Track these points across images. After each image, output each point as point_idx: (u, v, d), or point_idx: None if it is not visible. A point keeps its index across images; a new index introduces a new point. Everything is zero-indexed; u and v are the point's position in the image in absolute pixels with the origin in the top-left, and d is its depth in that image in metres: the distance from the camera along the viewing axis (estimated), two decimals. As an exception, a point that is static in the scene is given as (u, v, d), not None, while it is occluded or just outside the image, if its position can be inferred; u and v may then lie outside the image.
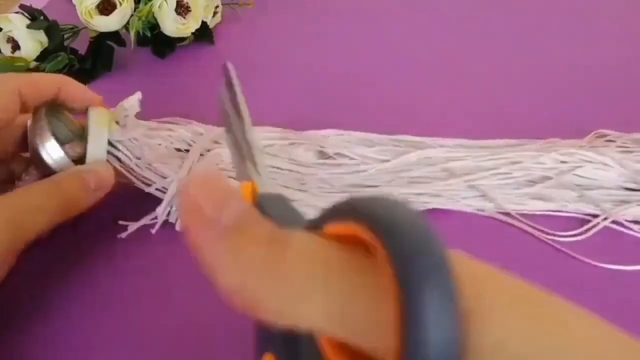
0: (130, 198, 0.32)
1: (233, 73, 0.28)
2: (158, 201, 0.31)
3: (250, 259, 0.12)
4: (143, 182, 0.31)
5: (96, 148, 0.29)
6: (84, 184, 0.27)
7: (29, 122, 0.29)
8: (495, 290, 0.11)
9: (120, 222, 0.31)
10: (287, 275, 0.11)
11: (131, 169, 0.31)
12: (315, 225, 0.13)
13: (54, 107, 0.30)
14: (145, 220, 0.31)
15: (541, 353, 0.10)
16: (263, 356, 0.15)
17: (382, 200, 0.11)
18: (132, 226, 0.30)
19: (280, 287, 0.11)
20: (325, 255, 0.12)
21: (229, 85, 0.27)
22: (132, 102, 0.31)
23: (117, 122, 0.31)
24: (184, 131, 0.34)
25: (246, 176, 0.20)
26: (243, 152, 0.21)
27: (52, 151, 0.28)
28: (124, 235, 0.30)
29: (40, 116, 0.28)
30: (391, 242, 0.10)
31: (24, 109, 0.28)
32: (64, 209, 0.26)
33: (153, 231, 0.30)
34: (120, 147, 0.30)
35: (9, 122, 0.28)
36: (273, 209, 0.16)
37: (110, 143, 0.30)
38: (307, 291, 0.11)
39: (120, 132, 0.31)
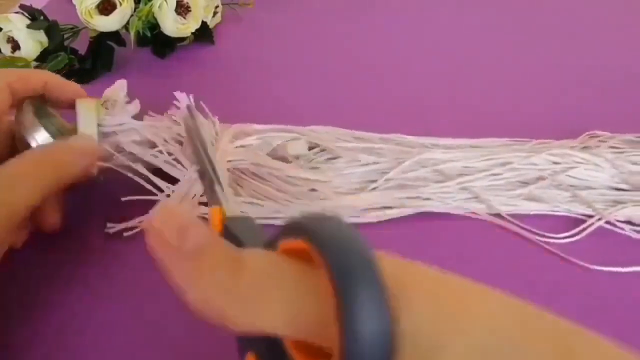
0: (122, 200, 0.31)
1: (191, 103, 0.31)
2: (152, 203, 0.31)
3: (211, 280, 0.13)
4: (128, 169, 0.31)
5: (86, 129, 0.29)
6: (71, 151, 0.27)
7: (14, 117, 0.29)
8: (414, 282, 0.13)
9: (108, 225, 0.31)
10: (245, 292, 0.13)
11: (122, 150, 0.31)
12: (273, 242, 0.15)
13: (39, 101, 0.30)
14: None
15: (448, 332, 0.12)
16: (246, 356, 0.16)
17: (321, 217, 0.14)
18: (121, 225, 0.30)
19: (240, 302, 0.13)
20: (277, 269, 0.14)
21: (191, 113, 0.29)
22: (117, 89, 0.32)
23: (106, 109, 0.32)
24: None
25: (216, 201, 0.21)
26: (211, 177, 0.23)
27: (42, 141, 0.28)
28: (111, 231, 0.30)
29: (27, 108, 0.28)
30: (325, 252, 0.13)
31: (14, 104, 0.28)
32: (54, 176, 0.26)
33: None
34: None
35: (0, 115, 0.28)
36: (239, 230, 0.18)
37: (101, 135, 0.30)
38: (264, 303, 0.13)
39: (109, 118, 0.31)
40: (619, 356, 0.13)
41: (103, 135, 0.30)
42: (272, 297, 0.13)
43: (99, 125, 0.30)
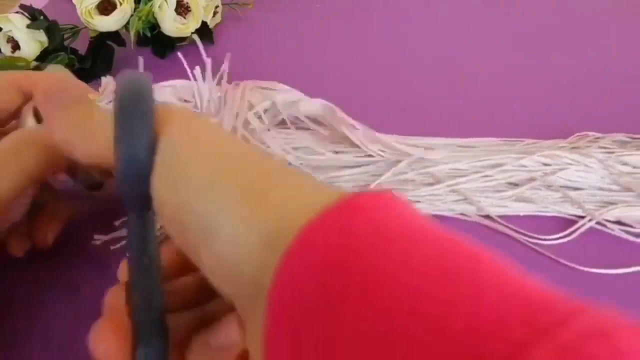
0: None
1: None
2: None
3: (73, 120, 0.19)
4: None
5: None
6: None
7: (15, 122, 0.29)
8: (180, 119, 0.17)
9: (95, 237, 0.30)
10: (91, 126, 0.19)
11: None
12: None
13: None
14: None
15: (191, 155, 0.17)
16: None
17: (132, 72, 0.18)
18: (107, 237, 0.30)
19: (85, 133, 0.19)
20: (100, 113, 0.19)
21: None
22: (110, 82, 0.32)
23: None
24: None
25: None
26: None
27: None
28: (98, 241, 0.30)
29: (28, 111, 0.28)
30: (117, 88, 0.17)
31: (25, 102, 0.28)
32: (41, 163, 0.24)
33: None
34: None
35: (9, 112, 0.27)
36: None
37: None
38: (101, 132, 0.18)
39: (102, 104, 0.31)
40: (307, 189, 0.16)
41: None
42: (106, 129, 0.17)
43: None
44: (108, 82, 0.33)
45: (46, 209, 0.28)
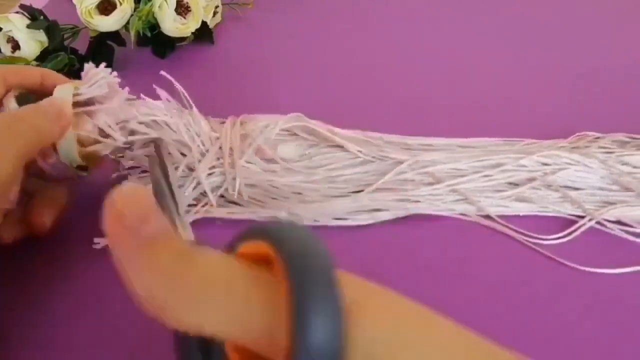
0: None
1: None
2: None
3: (159, 271, 0.13)
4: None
5: (59, 93, 0.28)
6: (45, 114, 0.26)
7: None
8: (369, 299, 0.13)
9: (95, 240, 0.30)
10: (193, 286, 0.13)
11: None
12: (232, 245, 0.15)
13: (23, 93, 0.29)
14: None
15: (401, 352, 0.12)
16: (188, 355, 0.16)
17: (286, 224, 0.14)
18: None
19: (185, 299, 0.13)
20: (229, 271, 0.13)
21: (157, 147, 0.30)
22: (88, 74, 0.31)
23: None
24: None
25: (168, 218, 0.21)
26: (165, 192, 0.22)
27: None
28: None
29: (10, 99, 0.28)
30: (286, 256, 0.13)
31: (6, 92, 0.28)
32: (30, 140, 0.25)
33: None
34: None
35: None
36: None
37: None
38: (210, 299, 0.13)
39: (85, 87, 0.29)
40: None
41: (78, 105, 0.29)
42: (219, 294, 0.13)
43: (75, 94, 0.29)
44: (90, 68, 0.31)
45: (42, 194, 0.28)
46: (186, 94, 0.35)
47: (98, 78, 0.30)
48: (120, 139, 0.29)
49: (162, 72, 0.34)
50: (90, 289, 0.28)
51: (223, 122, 0.35)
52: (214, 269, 0.13)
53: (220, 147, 0.33)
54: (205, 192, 0.32)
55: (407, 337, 0.13)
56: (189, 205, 0.32)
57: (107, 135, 0.29)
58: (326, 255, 0.13)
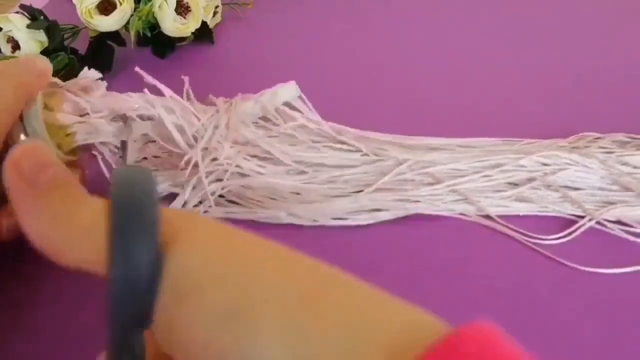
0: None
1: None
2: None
3: (49, 212, 0.15)
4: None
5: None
6: (27, 67, 0.25)
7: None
8: (190, 229, 0.15)
9: None
10: (74, 226, 0.15)
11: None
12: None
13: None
14: None
15: (208, 279, 0.14)
16: None
17: (128, 168, 0.15)
18: None
19: (66, 234, 0.15)
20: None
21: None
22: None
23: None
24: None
25: None
26: None
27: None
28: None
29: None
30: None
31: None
32: (15, 91, 0.24)
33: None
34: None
35: None
36: None
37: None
38: (89, 237, 0.14)
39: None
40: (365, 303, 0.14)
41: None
42: (96, 238, 0.14)
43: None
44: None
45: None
46: (190, 91, 0.35)
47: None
48: (97, 120, 0.29)
49: (137, 69, 0.34)
50: (83, 288, 0.28)
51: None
52: (97, 213, 0.15)
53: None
54: (205, 193, 0.32)
55: (219, 274, 0.14)
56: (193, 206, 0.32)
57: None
58: (147, 190, 0.14)
